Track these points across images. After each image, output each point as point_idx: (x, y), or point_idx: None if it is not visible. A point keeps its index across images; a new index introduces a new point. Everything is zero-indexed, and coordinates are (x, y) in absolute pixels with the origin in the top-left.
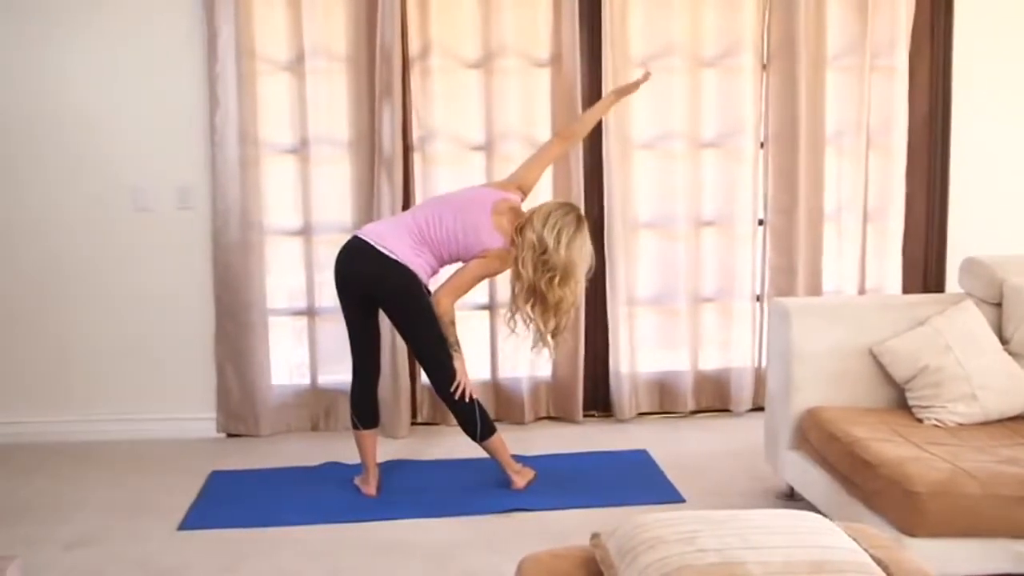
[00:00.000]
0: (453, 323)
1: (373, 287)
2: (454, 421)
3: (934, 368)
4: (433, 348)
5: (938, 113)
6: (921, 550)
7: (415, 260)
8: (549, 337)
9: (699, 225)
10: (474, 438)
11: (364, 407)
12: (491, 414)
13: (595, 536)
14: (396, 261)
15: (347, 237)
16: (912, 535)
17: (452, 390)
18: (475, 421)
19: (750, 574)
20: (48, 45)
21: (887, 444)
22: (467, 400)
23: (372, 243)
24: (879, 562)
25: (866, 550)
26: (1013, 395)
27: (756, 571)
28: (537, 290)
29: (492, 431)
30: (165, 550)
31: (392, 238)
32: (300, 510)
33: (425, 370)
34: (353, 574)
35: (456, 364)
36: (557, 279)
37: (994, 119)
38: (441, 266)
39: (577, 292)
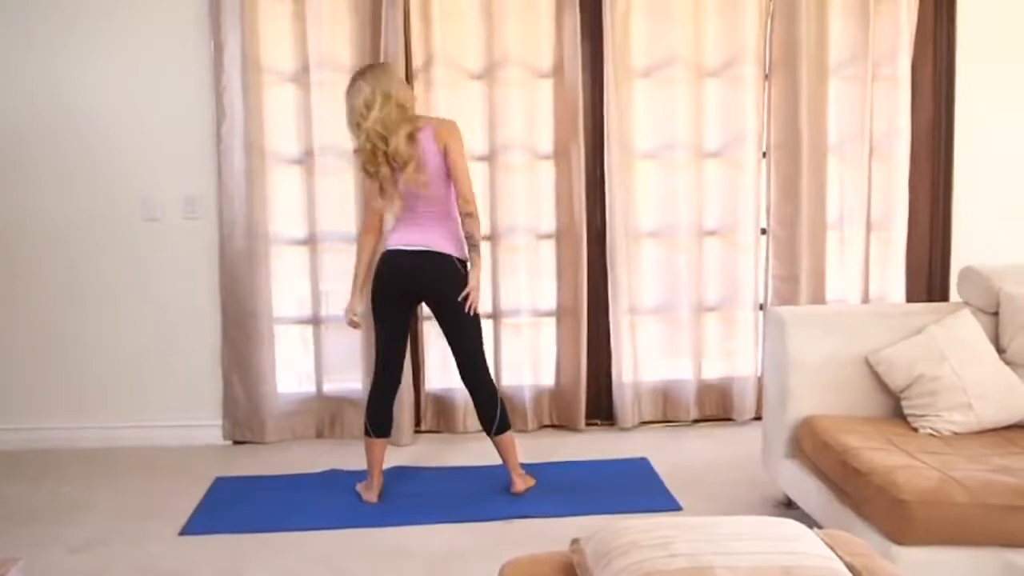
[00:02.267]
0: (479, 222)
1: (430, 288)
2: (459, 428)
3: (930, 377)
4: (476, 342)
5: (942, 121)
6: (910, 558)
7: (452, 243)
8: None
9: (701, 235)
10: (489, 430)
11: (381, 417)
12: None
13: (575, 541)
14: (444, 255)
15: (351, 246)
16: (901, 543)
17: (462, 299)
18: (495, 412)
19: None
20: (57, 57)
21: (879, 453)
22: (473, 314)
23: (416, 248)
24: (852, 569)
25: (841, 557)
26: (1009, 404)
27: (724, 575)
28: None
29: (508, 426)
30: (167, 554)
31: (425, 234)
32: (302, 516)
33: (469, 360)
34: None
35: (473, 274)
36: (379, 152)
37: (998, 127)
38: (455, 215)
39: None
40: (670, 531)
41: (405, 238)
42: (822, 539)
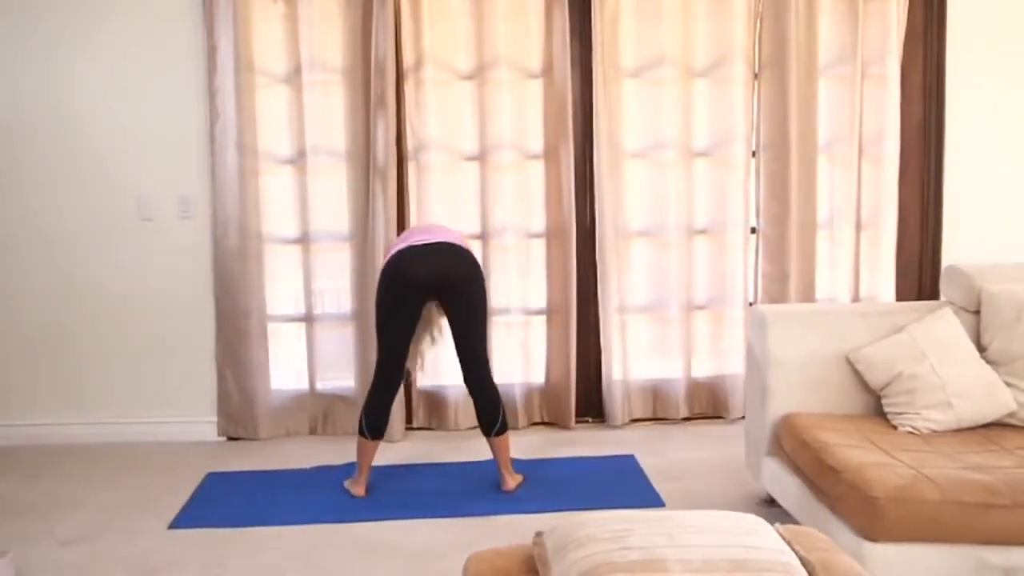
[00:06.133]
0: None
1: (459, 278)
2: (450, 425)
3: (909, 375)
4: (486, 342)
5: (931, 121)
6: (882, 555)
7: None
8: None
9: (691, 233)
10: (489, 432)
11: (379, 419)
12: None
13: (538, 535)
14: (467, 249)
15: (343, 244)
16: (873, 540)
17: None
18: (498, 415)
19: (669, 571)
20: (52, 59)
21: (854, 450)
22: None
23: (439, 241)
24: (808, 564)
25: (797, 552)
26: (988, 403)
27: (675, 568)
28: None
29: (507, 429)
30: (155, 547)
31: (443, 236)
32: (289, 511)
33: (478, 361)
34: (333, 572)
35: None
36: None
37: (988, 127)
38: None
39: None
40: (628, 524)
41: (422, 238)
42: (781, 534)
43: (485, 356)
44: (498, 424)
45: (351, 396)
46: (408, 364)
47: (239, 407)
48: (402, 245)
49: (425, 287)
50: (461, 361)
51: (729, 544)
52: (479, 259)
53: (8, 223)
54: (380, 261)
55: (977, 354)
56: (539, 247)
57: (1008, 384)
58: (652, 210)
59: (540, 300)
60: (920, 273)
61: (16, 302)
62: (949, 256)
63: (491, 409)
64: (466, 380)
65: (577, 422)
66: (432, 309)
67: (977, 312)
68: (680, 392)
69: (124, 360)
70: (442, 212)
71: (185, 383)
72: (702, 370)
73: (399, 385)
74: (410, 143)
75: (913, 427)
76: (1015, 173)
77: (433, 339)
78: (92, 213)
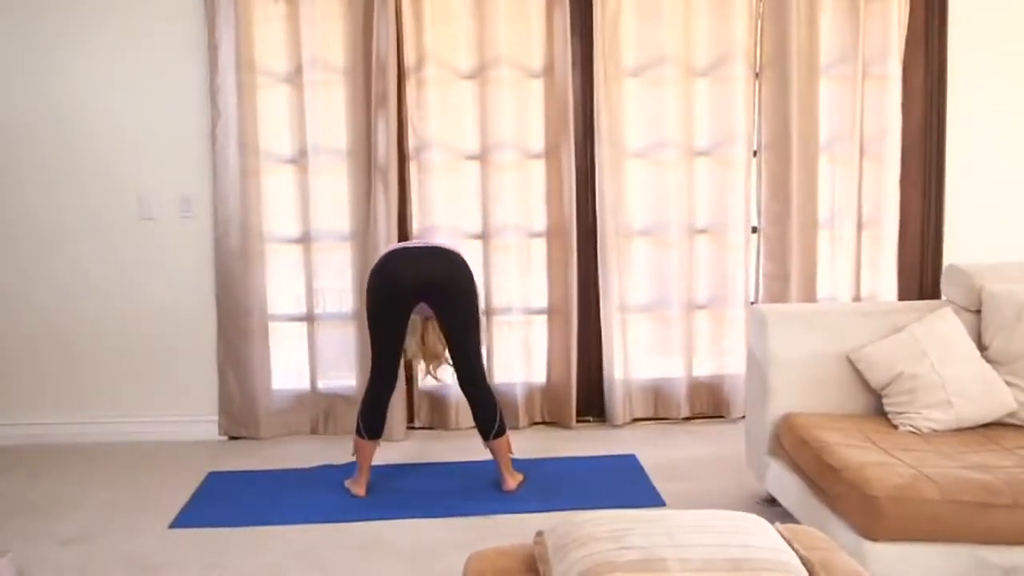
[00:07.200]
0: None
1: (447, 279)
2: (451, 425)
3: (909, 375)
4: (479, 345)
5: (933, 120)
6: (882, 554)
7: (458, 247)
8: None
9: (692, 233)
10: (487, 436)
11: (375, 420)
12: None
13: (539, 534)
14: (456, 252)
15: (344, 244)
16: (873, 539)
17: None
18: (495, 419)
19: (668, 570)
20: (53, 59)
21: (854, 449)
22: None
23: (427, 244)
24: (807, 563)
25: (797, 551)
26: (988, 402)
27: (674, 567)
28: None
29: (504, 431)
30: (156, 546)
31: (433, 239)
32: (289, 510)
33: (470, 363)
34: (333, 571)
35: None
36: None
37: (989, 126)
38: None
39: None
40: (628, 524)
41: (413, 241)
42: (781, 533)
43: (479, 360)
44: (495, 428)
45: (352, 395)
46: (415, 367)
47: (240, 406)
48: (392, 247)
49: (411, 288)
50: (455, 366)
51: (728, 544)
52: (474, 262)
53: (8, 223)
54: None
55: (978, 354)
56: (540, 246)
57: (1008, 384)
58: (653, 209)
59: (541, 299)
60: (921, 273)
61: (17, 302)
62: (950, 256)
63: (487, 413)
64: (461, 385)
65: (578, 421)
66: (420, 325)
67: (978, 312)
68: (681, 391)
69: (125, 360)
70: (443, 211)
71: (186, 382)
72: (703, 369)
73: (394, 387)
74: (411, 142)
75: (913, 426)
76: (1016, 173)
77: (426, 358)
78: (93, 213)
